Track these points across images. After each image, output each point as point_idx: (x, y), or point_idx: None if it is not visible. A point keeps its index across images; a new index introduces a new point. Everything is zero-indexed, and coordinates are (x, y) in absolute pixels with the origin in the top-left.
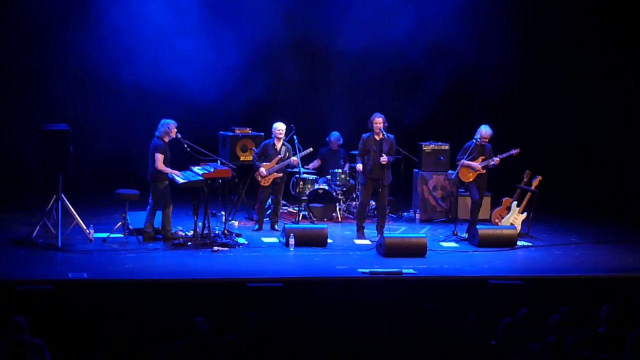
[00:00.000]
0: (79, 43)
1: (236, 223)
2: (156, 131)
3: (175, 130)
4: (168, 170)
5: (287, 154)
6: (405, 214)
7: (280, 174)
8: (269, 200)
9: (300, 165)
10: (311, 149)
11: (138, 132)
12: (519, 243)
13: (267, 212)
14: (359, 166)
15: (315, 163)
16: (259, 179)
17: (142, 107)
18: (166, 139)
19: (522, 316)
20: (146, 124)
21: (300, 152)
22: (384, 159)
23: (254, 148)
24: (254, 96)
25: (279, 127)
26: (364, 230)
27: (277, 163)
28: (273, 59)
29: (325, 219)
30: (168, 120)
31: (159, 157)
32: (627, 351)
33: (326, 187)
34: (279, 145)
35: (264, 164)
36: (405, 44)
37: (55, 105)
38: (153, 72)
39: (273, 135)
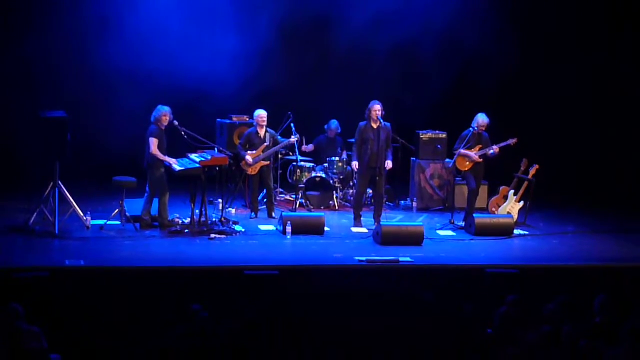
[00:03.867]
0: (78, 29)
1: (233, 211)
2: (152, 117)
3: (167, 118)
4: (162, 157)
5: (272, 140)
6: (403, 202)
7: (267, 162)
8: (264, 189)
9: (297, 154)
10: (297, 137)
11: (135, 119)
12: (516, 232)
13: (264, 201)
14: (355, 165)
15: (310, 147)
16: (246, 168)
17: (139, 94)
18: (160, 125)
19: (512, 303)
20: (143, 111)
21: (295, 137)
22: (389, 166)
23: None
24: (252, 84)
25: (261, 114)
26: (361, 219)
27: (263, 151)
28: (273, 46)
29: (323, 207)
30: (162, 107)
31: (154, 142)
32: (623, 341)
33: (323, 175)
34: (262, 132)
35: (250, 152)
36: (403, 34)
37: (52, 92)
38: (151, 59)
39: (255, 124)
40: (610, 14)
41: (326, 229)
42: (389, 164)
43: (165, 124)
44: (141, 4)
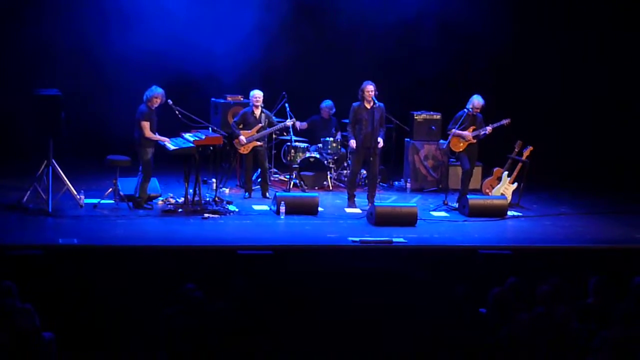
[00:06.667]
0: (70, 6)
1: (227, 190)
2: (144, 95)
3: (159, 100)
4: (156, 137)
5: (267, 121)
6: (396, 183)
7: (260, 143)
8: (258, 169)
9: (292, 134)
10: (292, 120)
11: (130, 98)
12: (509, 213)
13: (258, 180)
14: (352, 142)
15: (304, 124)
16: (238, 147)
17: (134, 72)
18: (150, 106)
19: (511, 286)
20: (138, 89)
21: (291, 120)
22: (380, 144)
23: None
24: (247, 63)
25: (256, 94)
26: (355, 199)
27: (257, 131)
28: (268, 25)
29: (316, 187)
30: (156, 88)
31: (145, 125)
32: (615, 322)
33: (317, 156)
34: (257, 112)
35: (243, 131)
36: (396, 14)
37: (48, 70)
38: (146, 39)
39: (250, 104)
40: None
41: (320, 209)
42: (380, 143)
43: (156, 105)
44: None
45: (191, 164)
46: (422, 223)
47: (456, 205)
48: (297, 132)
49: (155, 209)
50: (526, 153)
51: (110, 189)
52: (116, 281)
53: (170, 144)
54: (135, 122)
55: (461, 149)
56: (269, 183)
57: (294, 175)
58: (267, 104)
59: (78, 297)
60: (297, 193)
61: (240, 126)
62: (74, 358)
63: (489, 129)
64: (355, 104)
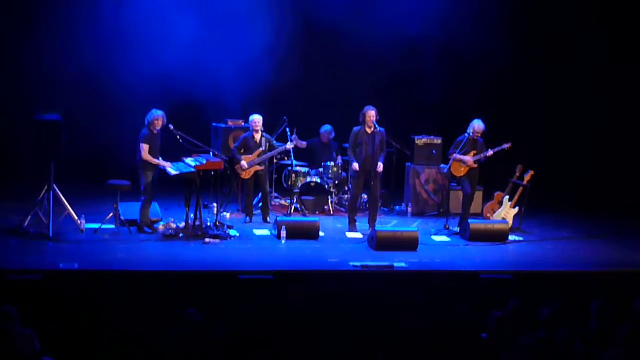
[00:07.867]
0: (72, 30)
1: (228, 215)
2: (145, 119)
3: (159, 122)
4: (155, 161)
5: (268, 145)
6: (397, 207)
7: (261, 167)
8: (259, 193)
9: (292, 158)
10: (293, 144)
11: (130, 122)
12: (511, 237)
13: (259, 205)
14: (355, 165)
15: (303, 143)
16: (240, 171)
17: (134, 97)
18: (152, 129)
19: (512, 309)
20: (138, 114)
21: (291, 143)
22: (380, 168)
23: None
24: (248, 88)
25: (255, 118)
26: (356, 223)
27: (258, 155)
28: (270, 50)
29: (317, 212)
30: (155, 111)
31: (144, 147)
32: (618, 345)
33: (318, 180)
34: (258, 137)
35: (245, 156)
36: (397, 38)
37: (48, 94)
38: (147, 62)
39: (250, 128)
40: (606, 15)
41: (320, 233)
42: (379, 167)
43: (158, 127)
44: (137, 7)
45: (192, 189)
46: (423, 247)
47: (457, 229)
48: (297, 148)
49: (156, 234)
50: (527, 177)
51: (111, 214)
52: (117, 306)
53: (171, 169)
54: (137, 146)
55: (462, 174)
56: (270, 207)
57: (294, 200)
58: (267, 127)
59: (78, 322)
60: (298, 217)
61: (241, 151)
62: None
63: (489, 152)
64: (356, 128)
